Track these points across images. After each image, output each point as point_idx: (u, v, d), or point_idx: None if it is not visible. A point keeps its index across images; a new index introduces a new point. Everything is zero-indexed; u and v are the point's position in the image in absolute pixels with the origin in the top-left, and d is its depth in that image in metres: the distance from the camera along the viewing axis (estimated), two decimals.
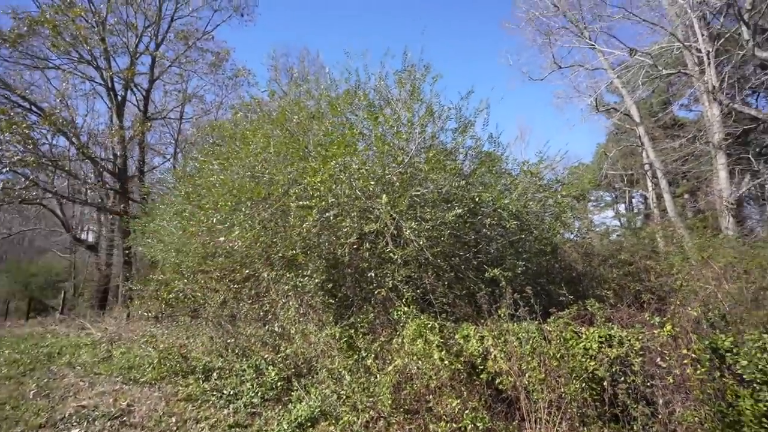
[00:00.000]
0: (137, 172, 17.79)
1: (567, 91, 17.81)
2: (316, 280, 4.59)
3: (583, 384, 3.32)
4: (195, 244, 6.47)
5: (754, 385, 2.95)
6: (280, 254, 4.94)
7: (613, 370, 3.35)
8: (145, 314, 8.14)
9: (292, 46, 57.58)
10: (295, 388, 4.40)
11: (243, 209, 5.36)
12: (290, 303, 4.75)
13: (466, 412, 3.30)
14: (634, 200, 27.77)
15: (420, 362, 3.70)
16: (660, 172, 13.89)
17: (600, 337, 3.44)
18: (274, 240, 5.08)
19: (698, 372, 3.06)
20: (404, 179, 4.40)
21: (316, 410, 3.97)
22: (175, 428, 4.04)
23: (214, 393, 4.62)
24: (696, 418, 3.09)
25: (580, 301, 4.02)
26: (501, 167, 5.81)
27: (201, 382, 4.95)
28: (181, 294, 6.52)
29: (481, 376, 3.65)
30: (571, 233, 8.27)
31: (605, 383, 3.29)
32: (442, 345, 3.72)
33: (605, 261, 7.84)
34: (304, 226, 4.54)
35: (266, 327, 5.19)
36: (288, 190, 4.97)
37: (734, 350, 3.07)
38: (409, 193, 4.28)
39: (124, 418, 4.24)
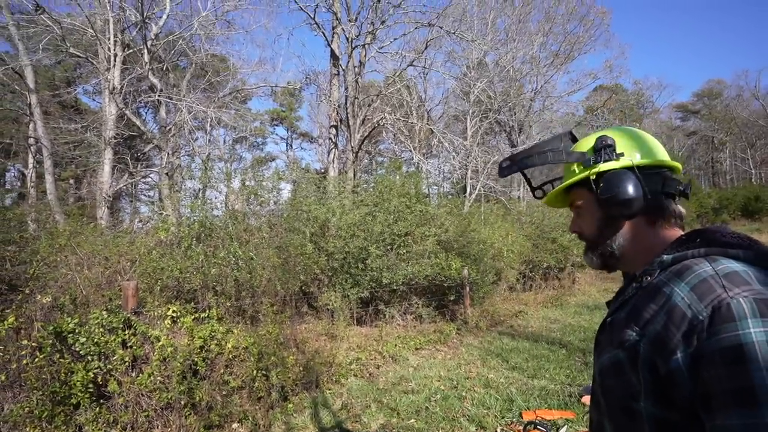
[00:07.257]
0: None
1: None
2: None
3: None
4: None
5: (88, 357, 3.34)
6: None
7: None
8: None
9: None
10: None
11: None
12: None
13: None
14: (9, 174, 23.78)
15: None
16: (46, 151, 12.87)
17: None
18: None
19: (37, 360, 3.05)
20: None
21: None
22: None
23: None
24: (26, 409, 3.04)
25: None
26: None
27: None
28: None
29: None
30: None
31: None
32: None
33: None
34: None
35: None
36: None
37: (77, 330, 3.34)
38: None
39: None
